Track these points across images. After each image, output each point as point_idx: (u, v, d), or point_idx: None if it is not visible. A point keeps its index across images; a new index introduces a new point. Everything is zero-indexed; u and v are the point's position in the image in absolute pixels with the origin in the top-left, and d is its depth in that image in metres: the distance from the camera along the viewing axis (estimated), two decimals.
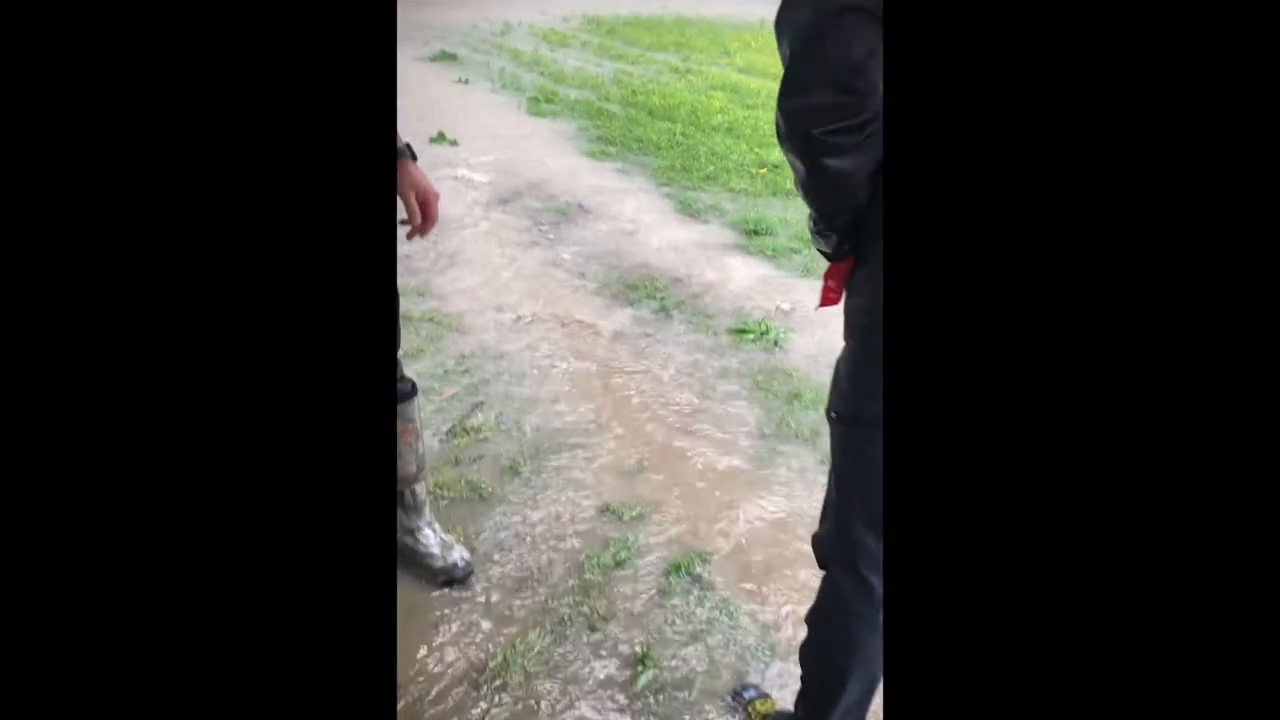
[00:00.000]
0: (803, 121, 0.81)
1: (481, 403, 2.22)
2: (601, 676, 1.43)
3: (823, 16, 0.78)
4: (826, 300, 1.01)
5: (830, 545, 1.10)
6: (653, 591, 1.62)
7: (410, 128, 3.36)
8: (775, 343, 2.61)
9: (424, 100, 5.35)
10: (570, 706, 1.37)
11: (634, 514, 1.82)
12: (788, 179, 4.09)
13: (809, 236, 0.99)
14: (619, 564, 1.68)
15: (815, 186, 0.88)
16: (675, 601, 1.60)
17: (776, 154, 4.51)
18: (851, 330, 1.01)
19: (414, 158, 1.39)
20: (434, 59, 6.78)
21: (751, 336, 2.64)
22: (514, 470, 1.95)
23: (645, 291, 2.93)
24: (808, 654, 1.18)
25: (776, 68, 0.86)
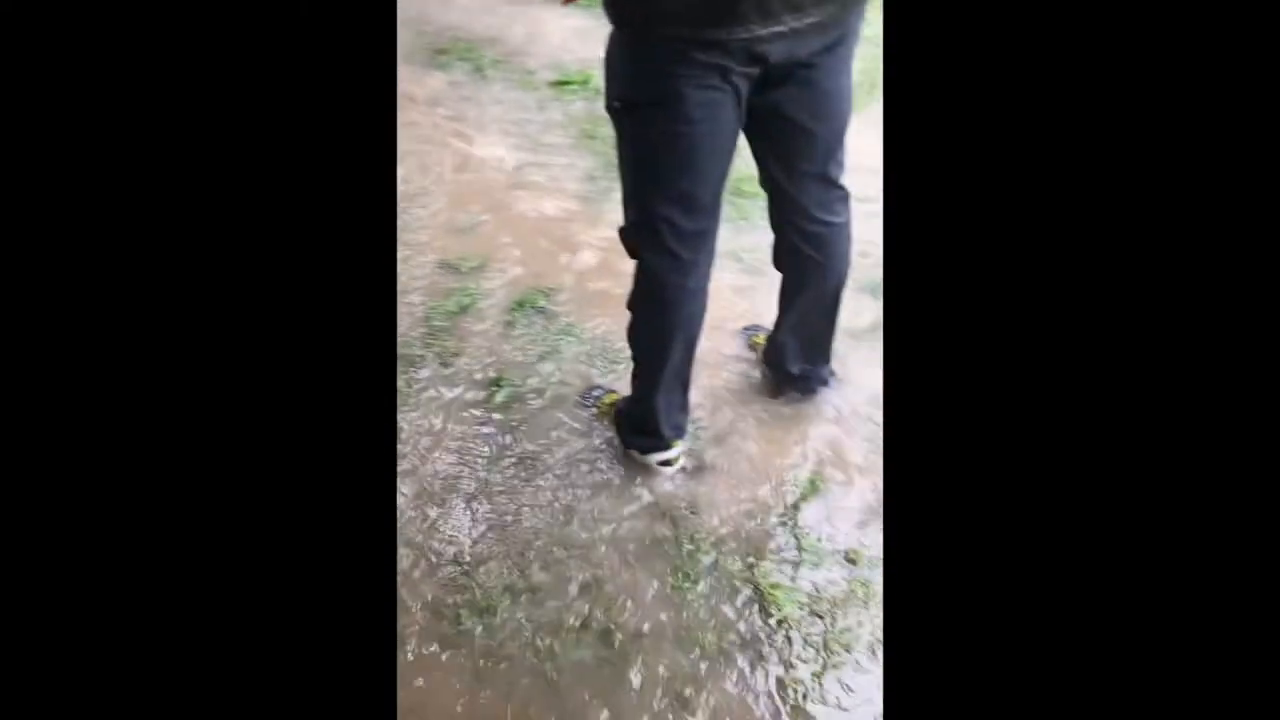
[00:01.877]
0: None
1: None
2: (462, 401, 1.52)
3: None
4: None
5: (637, 231, 1.17)
6: (500, 327, 1.69)
7: None
8: (597, 91, 2.55)
9: None
10: (435, 433, 1.46)
11: (472, 265, 1.84)
12: None
13: None
14: (463, 309, 1.72)
15: None
16: (521, 331, 1.67)
17: None
18: (619, 18, 1.02)
19: None
20: None
21: (574, 87, 2.57)
22: None
23: (457, 54, 2.75)
24: (634, 334, 1.28)
25: None
